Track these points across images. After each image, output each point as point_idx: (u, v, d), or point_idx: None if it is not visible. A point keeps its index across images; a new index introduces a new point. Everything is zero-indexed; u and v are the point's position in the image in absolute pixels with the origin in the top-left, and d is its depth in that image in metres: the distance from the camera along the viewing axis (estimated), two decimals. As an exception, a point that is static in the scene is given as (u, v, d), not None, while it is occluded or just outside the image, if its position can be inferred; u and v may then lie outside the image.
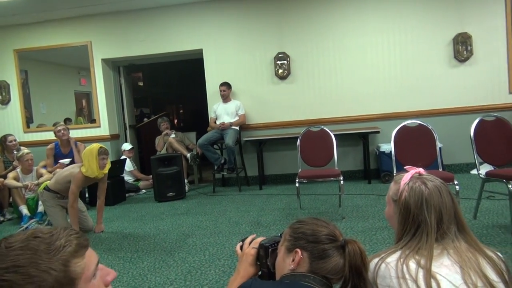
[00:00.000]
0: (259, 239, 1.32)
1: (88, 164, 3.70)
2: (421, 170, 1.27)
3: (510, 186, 2.90)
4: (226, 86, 5.72)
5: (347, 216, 3.73)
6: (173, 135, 6.13)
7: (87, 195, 5.20)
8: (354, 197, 4.49)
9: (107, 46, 6.21)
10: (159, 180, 5.21)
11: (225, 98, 5.73)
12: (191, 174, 6.25)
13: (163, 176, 5.19)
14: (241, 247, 1.35)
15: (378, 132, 5.25)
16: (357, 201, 4.33)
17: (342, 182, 3.73)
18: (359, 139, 5.46)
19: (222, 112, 5.71)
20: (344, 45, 5.64)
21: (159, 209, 4.77)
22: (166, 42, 6.05)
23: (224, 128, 5.55)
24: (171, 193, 5.18)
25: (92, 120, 6.46)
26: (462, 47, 5.37)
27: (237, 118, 5.67)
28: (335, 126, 5.31)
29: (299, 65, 5.76)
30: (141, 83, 10.93)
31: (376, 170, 5.49)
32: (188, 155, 5.90)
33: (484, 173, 3.20)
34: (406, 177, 1.23)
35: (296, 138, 4.30)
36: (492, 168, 3.44)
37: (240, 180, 5.60)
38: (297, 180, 3.80)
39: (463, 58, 5.38)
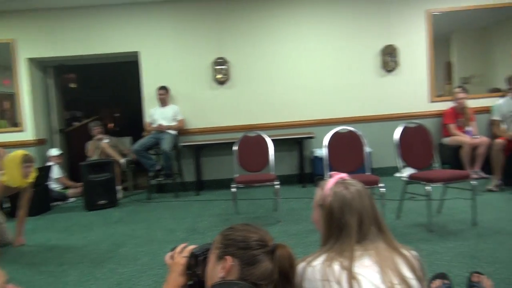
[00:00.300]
0: (191, 248, 1.29)
1: (10, 173, 3.42)
2: (344, 175, 1.33)
3: (427, 188, 3.15)
4: (164, 90, 5.61)
5: (282, 220, 3.80)
6: (106, 140, 5.86)
7: (8, 205, 4.79)
8: (290, 201, 4.60)
9: (34, 45, 5.80)
10: (90, 188, 4.94)
11: (163, 102, 5.61)
12: (125, 180, 6.02)
13: (94, 183, 4.94)
14: (172, 257, 1.32)
15: (312, 137, 5.45)
16: (293, 204, 4.43)
17: (277, 186, 3.81)
18: (295, 144, 5.62)
19: (159, 117, 5.57)
20: (281, 51, 5.79)
21: (88, 218, 4.52)
22: (99, 43, 5.80)
23: (161, 130, 5.42)
24: (102, 201, 4.94)
25: (15, 123, 5.98)
26: (389, 58, 5.75)
27: (175, 123, 5.57)
28: (272, 131, 5.39)
29: (238, 70, 5.80)
30: (74, 85, 10.30)
31: (310, 174, 5.67)
32: (122, 161, 5.67)
33: (406, 176, 3.45)
34: (330, 183, 1.29)
35: (234, 143, 4.32)
36: (414, 171, 3.71)
37: (176, 186, 5.49)
38: (233, 185, 3.81)
39: (390, 69, 5.77)
